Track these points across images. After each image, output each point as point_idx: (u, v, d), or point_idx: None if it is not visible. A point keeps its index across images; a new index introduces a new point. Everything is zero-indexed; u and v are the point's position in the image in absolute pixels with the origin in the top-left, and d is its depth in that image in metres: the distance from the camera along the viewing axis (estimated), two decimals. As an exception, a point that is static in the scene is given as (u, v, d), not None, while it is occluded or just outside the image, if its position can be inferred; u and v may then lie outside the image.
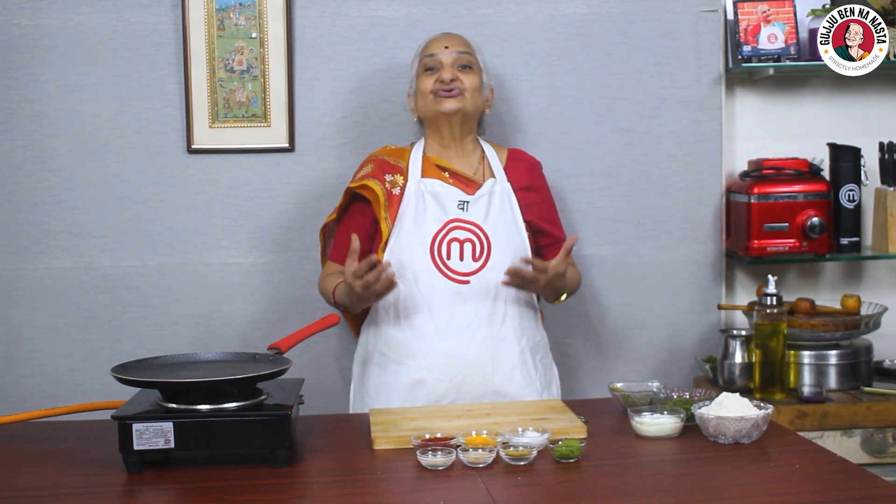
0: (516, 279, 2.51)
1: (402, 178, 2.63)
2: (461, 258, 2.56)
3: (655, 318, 3.15)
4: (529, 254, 2.61)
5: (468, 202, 2.59)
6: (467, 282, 2.55)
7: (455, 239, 2.57)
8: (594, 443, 2.11)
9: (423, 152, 2.67)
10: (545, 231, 2.71)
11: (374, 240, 2.63)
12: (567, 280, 2.60)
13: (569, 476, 1.95)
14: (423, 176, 2.62)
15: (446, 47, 2.63)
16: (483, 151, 2.70)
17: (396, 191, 2.61)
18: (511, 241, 2.60)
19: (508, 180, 2.66)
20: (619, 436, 2.19)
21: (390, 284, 2.45)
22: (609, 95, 3.10)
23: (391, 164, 2.65)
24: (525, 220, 2.64)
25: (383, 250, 2.58)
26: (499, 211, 2.60)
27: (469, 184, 2.63)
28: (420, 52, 2.68)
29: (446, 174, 2.63)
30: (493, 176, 2.65)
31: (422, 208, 2.58)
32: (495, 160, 2.69)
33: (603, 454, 2.06)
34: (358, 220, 2.66)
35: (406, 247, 2.56)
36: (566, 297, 2.68)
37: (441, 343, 2.54)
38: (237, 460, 2.04)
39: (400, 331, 2.57)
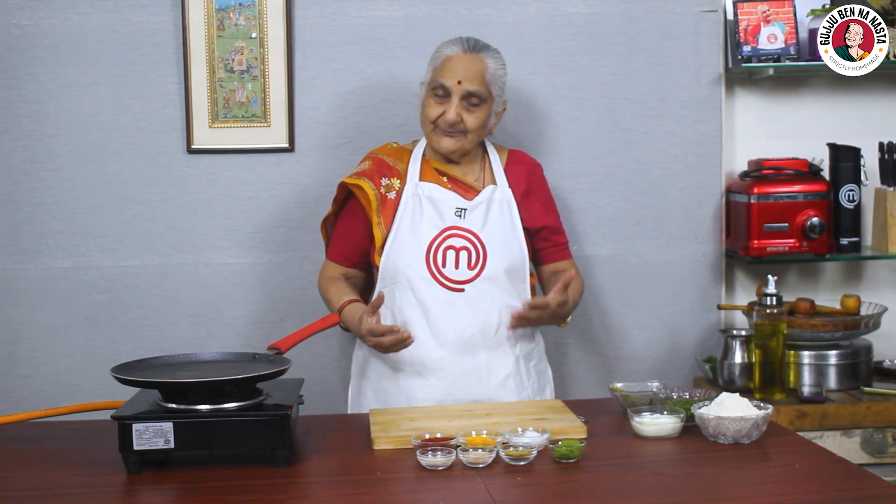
0: (521, 321, 2.52)
1: (398, 181, 2.60)
2: (456, 266, 2.54)
3: (655, 318, 3.15)
4: (527, 262, 2.61)
5: (465, 209, 2.58)
6: (462, 290, 2.54)
7: (451, 247, 2.55)
8: (594, 443, 2.11)
9: (424, 154, 2.66)
10: (545, 235, 2.68)
11: (371, 240, 2.62)
12: (571, 304, 2.59)
13: (569, 476, 1.95)
14: (421, 179, 2.60)
15: (459, 82, 2.51)
16: (486, 153, 2.69)
17: (391, 195, 2.59)
18: (508, 250, 2.58)
19: (509, 184, 2.64)
20: (619, 436, 2.19)
21: (404, 343, 2.42)
22: (609, 95, 3.10)
23: (389, 165, 2.63)
24: (524, 227, 2.63)
25: (379, 255, 2.57)
26: (497, 219, 2.59)
27: (468, 189, 2.61)
28: (437, 64, 2.56)
29: (445, 178, 2.61)
30: (493, 181, 2.64)
31: (419, 214, 2.57)
32: (497, 163, 2.67)
33: (603, 454, 2.06)
34: (355, 220, 2.64)
35: (402, 253, 2.55)
36: (570, 318, 2.67)
37: (436, 350, 2.53)
38: (237, 460, 2.04)
39: None
